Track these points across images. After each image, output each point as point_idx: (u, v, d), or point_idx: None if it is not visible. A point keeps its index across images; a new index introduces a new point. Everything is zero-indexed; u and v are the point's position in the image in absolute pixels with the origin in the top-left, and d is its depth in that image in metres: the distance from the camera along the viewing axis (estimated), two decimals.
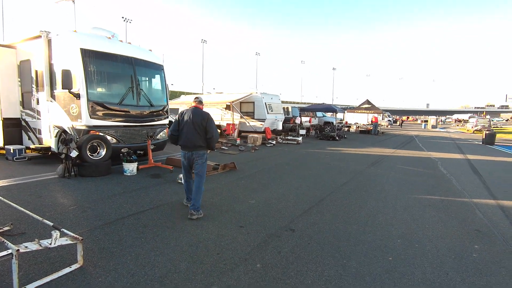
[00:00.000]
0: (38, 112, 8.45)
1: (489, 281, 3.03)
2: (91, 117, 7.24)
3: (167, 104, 9.37)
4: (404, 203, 5.60)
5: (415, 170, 9.13)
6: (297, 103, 65.80)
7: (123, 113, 7.81)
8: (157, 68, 9.10)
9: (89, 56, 7.29)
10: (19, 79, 8.94)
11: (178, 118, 4.66)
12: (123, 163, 7.07)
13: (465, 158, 12.27)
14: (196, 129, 4.49)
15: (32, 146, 8.58)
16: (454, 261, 3.40)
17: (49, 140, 8.08)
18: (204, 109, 4.82)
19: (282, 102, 22.14)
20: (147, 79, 9.06)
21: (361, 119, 36.19)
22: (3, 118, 8.96)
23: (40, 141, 8.52)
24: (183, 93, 24.91)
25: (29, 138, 9.03)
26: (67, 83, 7.02)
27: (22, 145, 9.11)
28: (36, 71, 8.26)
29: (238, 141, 13.91)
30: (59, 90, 7.63)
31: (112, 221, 4.20)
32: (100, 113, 7.39)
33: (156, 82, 9.29)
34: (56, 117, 7.86)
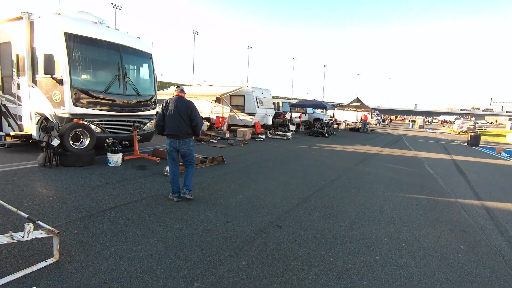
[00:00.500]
0: (19, 98, 8.08)
1: (474, 282, 3.03)
2: (74, 105, 6.95)
3: (155, 94, 9.12)
4: (391, 201, 5.61)
5: (403, 169, 9.20)
6: (288, 98, 65.76)
7: (109, 101, 7.55)
8: (145, 57, 8.82)
9: (73, 40, 6.97)
10: (0, 62, 8.52)
11: (162, 108, 4.72)
12: (108, 154, 6.84)
13: (451, 159, 12.47)
14: (182, 117, 4.61)
15: (12, 133, 8.21)
16: (441, 261, 3.39)
17: (30, 127, 7.74)
18: (194, 101, 4.84)
19: (273, 97, 22.02)
20: (134, 67, 8.78)
21: (350, 117, 36.47)
22: None
23: (20, 128, 8.16)
24: (172, 84, 24.46)
25: (9, 125, 8.64)
26: (49, 68, 6.70)
27: (1, 131, 8.73)
28: (17, 55, 7.86)
29: (228, 135, 13.76)
30: (41, 75, 7.29)
31: (93, 213, 4.03)
32: (84, 101, 7.11)
33: (144, 71, 9.01)
34: (38, 103, 7.52)
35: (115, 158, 6.84)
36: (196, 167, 7.16)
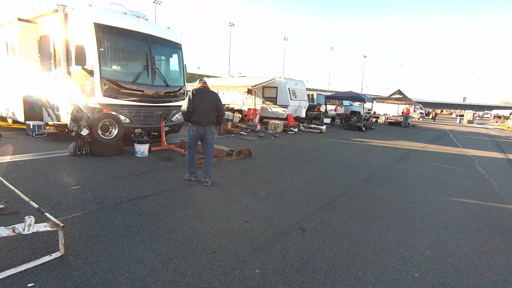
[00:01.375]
0: (56, 89, 8.39)
1: None
2: (104, 95, 7.02)
3: (184, 85, 9.02)
4: (435, 206, 4.94)
5: (449, 168, 8.27)
6: (324, 91, 63.89)
7: (137, 92, 7.54)
8: (174, 47, 8.71)
9: (103, 31, 7.01)
10: (39, 55, 8.91)
11: (192, 95, 5.01)
12: (135, 144, 6.84)
13: (506, 158, 11.09)
14: (211, 106, 5.08)
15: (50, 123, 8.59)
16: (496, 286, 2.80)
17: (66, 118, 8.02)
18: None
19: (309, 89, 21.34)
20: (163, 58, 8.72)
21: (390, 110, 34.41)
22: (24, 94, 9.01)
23: (58, 118, 8.49)
24: (207, 76, 24.64)
25: (49, 115, 9.05)
26: (80, 59, 6.80)
27: (43, 121, 9.18)
28: (54, 47, 8.14)
29: (258, 127, 13.44)
30: (74, 67, 7.45)
31: (109, 205, 3.92)
32: (113, 91, 7.15)
33: (173, 61, 8.93)
34: (72, 94, 7.73)
35: (142, 149, 6.82)
36: (222, 159, 6.95)
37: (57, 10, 7.66)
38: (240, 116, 17.15)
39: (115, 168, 5.74)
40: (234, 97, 18.29)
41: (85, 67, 7.00)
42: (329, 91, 67.30)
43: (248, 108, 16.51)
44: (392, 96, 27.30)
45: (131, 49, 7.77)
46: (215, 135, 10.87)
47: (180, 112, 8.59)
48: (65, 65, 7.73)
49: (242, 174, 5.96)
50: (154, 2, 60.20)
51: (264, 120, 17.01)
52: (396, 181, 6.34)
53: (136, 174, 5.47)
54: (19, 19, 8.66)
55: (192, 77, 35.58)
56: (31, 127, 8.55)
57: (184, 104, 5.14)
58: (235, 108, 17.91)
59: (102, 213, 3.69)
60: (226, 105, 17.50)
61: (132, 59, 7.85)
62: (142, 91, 7.63)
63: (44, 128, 8.78)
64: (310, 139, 12.27)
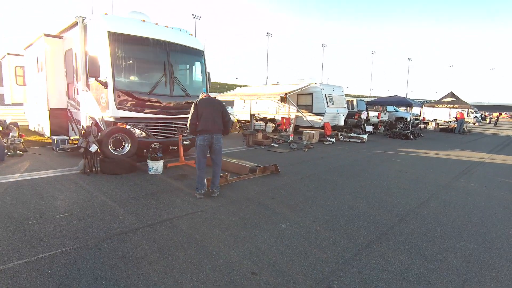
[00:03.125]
0: (78, 103, 8.18)
1: None
2: (117, 108, 6.52)
3: (207, 94, 8.31)
4: None
5: None
6: (366, 97, 60.77)
7: (154, 104, 6.97)
8: (195, 54, 8.09)
9: (117, 40, 6.56)
10: (65, 69, 8.83)
11: (195, 107, 4.87)
12: (147, 161, 6.21)
13: None
14: (217, 112, 4.89)
15: (72, 137, 8.38)
16: None
17: None
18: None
19: (349, 95, 19.84)
20: (183, 65, 8.14)
21: (441, 115, 31.21)
22: (50, 108, 8.98)
23: (80, 132, 8.25)
24: (239, 85, 24.17)
25: (73, 129, 8.91)
26: (93, 70, 6.40)
27: (69, 135, 9.06)
28: (76, 60, 7.94)
29: (291, 137, 12.38)
30: (92, 79, 7.12)
31: (89, 243, 3.17)
32: (128, 104, 6.65)
33: (194, 69, 8.32)
34: (90, 107, 7.41)
35: (155, 166, 6.16)
36: (243, 177, 6.04)
37: (77, 23, 7.44)
38: (274, 125, 16.24)
39: (119, 189, 5.09)
40: (267, 106, 17.46)
41: (99, 78, 6.60)
42: (370, 97, 63.94)
43: (282, 117, 15.53)
44: (443, 100, 24.55)
45: (148, 58, 7.27)
46: (244, 147, 10.08)
47: None
48: (84, 78, 7.44)
49: (264, 197, 4.98)
50: (194, 17, 62.38)
51: (299, 129, 15.91)
52: (461, 207, 4.92)
53: (140, 197, 4.75)
54: (46, 35, 8.67)
55: (230, 87, 35.58)
56: (55, 142, 8.40)
57: (189, 115, 4.82)
58: (268, 118, 17.04)
59: (74, 254, 2.94)
60: (257, 114, 16.72)
61: (149, 68, 7.34)
62: (160, 102, 7.05)
63: (68, 143, 8.60)
64: (350, 150, 10.92)
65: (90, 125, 7.67)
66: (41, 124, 9.91)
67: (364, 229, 3.85)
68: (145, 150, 6.34)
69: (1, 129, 9.45)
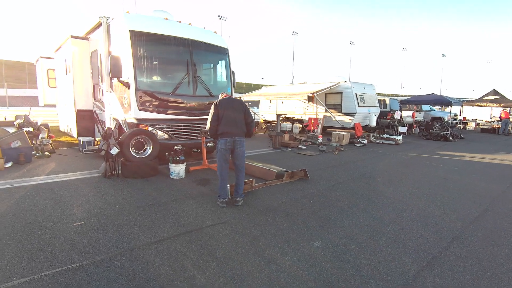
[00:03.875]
0: (103, 104, 8.13)
1: None
2: (139, 109, 6.32)
3: (232, 94, 7.96)
4: None
5: None
6: (397, 95, 58.10)
7: (177, 104, 6.71)
8: (219, 52, 7.75)
9: (138, 38, 6.35)
10: (91, 71, 8.85)
11: (216, 107, 4.47)
12: (169, 164, 5.93)
13: None
14: (239, 113, 4.51)
15: (97, 139, 8.35)
16: None
17: None
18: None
19: (380, 95, 18.77)
20: (207, 64, 7.84)
21: (481, 114, 28.97)
22: (77, 110, 9.04)
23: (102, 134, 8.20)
24: (265, 85, 23.74)
25: (98, 131, 8.90)
26: (116, 70, 6.23)
27: (95, 137, 9.08)
28: (101, 61, 7.88)
29: (320, 139, 11.76)
30: (114, 80, 6.99)
31: (98, 259, 2.87)
32: (150, 104, 6.42)
33: (218, 68, 7.99)
34: (114, 109, 7.29)
35: (177, 170, 5.87)
36: (270, 183, 5.59)
37: (101, 23, 7.35)
38: (301, 126, 15.66)
39: (139, 195, 4.83)
40: (293, 106, 16.89)
41: (121, 79, 6.43)
42: (401, 96, 61.08)
43: (309, 118, 14.89)
44: (485, 98, 22.66)
45: (170, 57, 7.02)
46: (270, 149, 9.63)
47: None
48: (108, 79, 7.33)
49: (292, 207, 4.50)
50: (220, 18, 62.85)
51: (328, 130, 15.21)
52: None
53: (159, 204, 4.45)
54: (72, 37, 8.73)
55: (256, 87, 35.30)
56: (81, 143, 8.42)
57: (208, 117, 4.45)
58: (295, 118, 16.47)
59: (81, 272, 2.63)
60: (284, 115, 16.19)
61: (172, 68, 7.09)
62: (182, 103, 6.78)
63: (93, 145, 8.59)
64: (383, 153, 10.13)
65: (111, 127, 7.61)
66: (69, 125, 10.05)
67: (411, 251, 3.26)
68: (166, 153, 6.07)
69: (32, 130, 9.68)
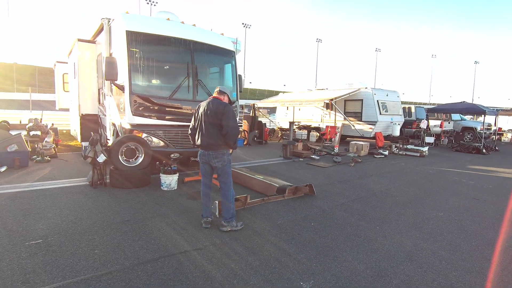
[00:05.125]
0: (105, 108, 7.85)
1: None
2: (134, 114, 5.89)
3: (237, 99, 7.42)
4: None
5: None
6: (425, 104, 55.47)
7: (175, 109, 6.24)
8: (224, 54, 7.24)
9: (135, 39, 5.96)
10: (97, 74, 8.64)
11: (194, 112, 3.96)
12: (160, 174, 5.44)
13: None
14: (211, 123, 3.69)
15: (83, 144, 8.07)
16: None
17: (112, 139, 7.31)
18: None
19: (406, 103, 17.59)
20: (210, 67, 7.35)
21: None
22: (82, 114, 8.85)
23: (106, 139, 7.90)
24: (283, 92, 23.15)
25: (101, 135, 8.63)
26: (110, 73, 5.87)
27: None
28: (103, 64, 7.62)
29: (336, 149, 10.92)
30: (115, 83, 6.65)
31: None
32: (145, 109, 5.98)
33: (222, 71, 7.48)
34: (113, 113, 6.96)
35: (168, 181, 5.36)
36: (268, 200, 4.94)
37: (103, 25, 7.09)
38: (318, 135, 14.87)
39: (118, 208, 4.34)
40: (311, 113, 16.13)
41: (116, 82, 6.07)
42: (430, 104, 58.26)
43: (326, 126, 14.08)
44: None
45: (170, 59, 6.59)
46: (282, 159, 8.96)
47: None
48: (108, 82, 7.02)
49: (287, 230, 3.83)
50: (244, 26, 63.39)
51: (347, 139, 14.31)
52: None
53: (135, 220, 3.93)
54: (79, 40, 8.59)
55: (270, 94, 34.76)
56: (83, 148, 8.15)
57: None
58: (312, 126, 15.70)
59: None
60: (297, 122, 15.48)
61: (171, 70, 6.66)
62: (181, 108, 6.30)
63: None
64: (406, 166, 9.17)
65: (111, 132, 7.28)
66: (76, 129, 9.92)
67: None
68: (157, 162, 5.59)
69: (40, 134, 9.61)
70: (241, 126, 13.17)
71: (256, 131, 13.09)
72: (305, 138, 14.89)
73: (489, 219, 4.62)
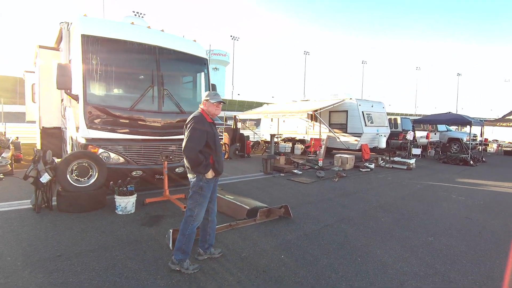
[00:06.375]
0: (66, 120, 7.14)
1: None
2: (88, 127, 5.23)
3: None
4: None
5: None
6: (411, 115, 56.03)
7: (137, 122, 5.60)
8: (196, 62, 6.69)
9: (92, 44, 5.37)
10: None
11: None
12: (115, 196, 4.75)
13: None
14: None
15: (56, 161, 7.32)
16: None
17: None
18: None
19: (393, 114, 17.34)
20: (180, 76, 6.79)
21: (503, 135, 27.00)
22: (42, 127, 8.11)
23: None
24: (267, 103, 22.79)
25: (65, 151, 7.89)
26: (62, 81, 5.22)
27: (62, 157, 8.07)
28: None
29: (320, 163, 10.41)
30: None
31: None
32: (102, 122, 5.34)
33: (193, 80, 6.94)
34: (71, 126, 6.27)
35: (123, 203, 4.69)
36: (236, 225, 4.32)
37: (61, 29, 6.47)
38: (303, 147, 14.38)
39: (54, 239, 3.64)
40: (295, 125, 15.69)
41: (68, 91, 5.42)
42: (416, 115, 58.98)
43: (311, 138, 13.62)
44: (507, 117, 20.89)
45: (132, 66, 5.99)
46: (262, 174, 8.36)
47: None
48: None
49: (253, 267, 3.20)
50: (232, 38, 63.50)
51: (334, 151, 13.84)
52: None
53: (69, 256, 3.24)
54: (41, 47, 7.93)
55: (258, 105, 34.34)
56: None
57: None
58: (297, 138, 15.23)
59: None
60: (278, 135, 14.99)
61: (134, 79, 6.05)
62: (144, 120, 5.67)
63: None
64: (393, 180, 8.69)
65: (69, 146, 6.58)
66: (38, 144, 9.13)
67: None
68: (111, 182, 4.91)
69: None
70: (222, 139, 12.57)
71: (238, 144, 12.51)
72: (289, 151, 14.37)
73: (484, 244, 4.09)
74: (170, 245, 3.45)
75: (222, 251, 3.40)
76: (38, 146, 8.72)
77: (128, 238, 3.80)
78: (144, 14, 52.18)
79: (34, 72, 10.99)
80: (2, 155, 8.07)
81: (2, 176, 7.01)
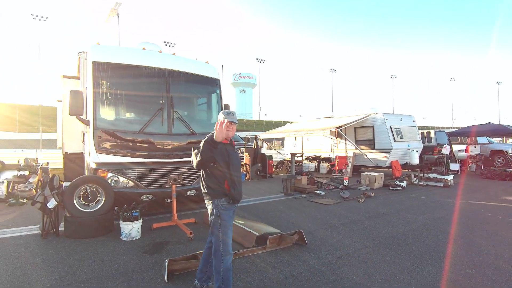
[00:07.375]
0: (84, 146, 7.30)
1: None
2: (97, 151, 5.22)
3: None
4: None
5: None
6: (448, 128, 52.80)
7: (146, 145, 5.52)
8: (207, 83, 6.61)
9: (102, 70, 5.45)
10: None
11: None
12: (120, 221, 4.59)
13: None
14: None
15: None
16: None
17: None
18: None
19: (427, 127, 16.20)
20: (191, 98, 6.69)
21: None
22: (65, 152, 8.37)
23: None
24: (290, 122, 22.40)
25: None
26: (74, 107, 5.30)
27: None
28: None
29: (346, 182, 9.77)
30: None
31: None
32: (111, 146, 5.31)
33: (204, 101, 6.83)
34: (86, 150, 6.35)
35: (127, 229, 4.50)
36: (243, 253, 3.96)
37: (80, 58, 6.74)
38: (328, 166, 13.76)
39: (49, 268, 3.48)
40: (320, 143, 15.15)
41: (81, 117, 5.50)
42: (454, 128, 55.51)
43: (336, 156, 13.01)
44: None
45: (142, 90, 5.97)
46: (282, 195, 7.96)
47: None
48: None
49: None
50: (258, 61, 64.73)
51: (362, 169, 13.08)
52: None
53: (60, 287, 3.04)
54: (64, 76, 8.32)
55: (277, 125, 34.09)
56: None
57: None
58: (321, 157, 14.65)
59: None
60: (299, 154, 14.47)
61: (143, 102, 6.01)
62: (153, 143, 5.58)
63: None
64: (428, 200, 7.86)
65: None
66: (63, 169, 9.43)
67: None
68: (116, 208, 4.78)
69: (28, 174, 9.18)
70: (243, 159, 12.34)
71: (260, 164, 12.19)
72: (313, 170, 13.80)
73: None
74: (165, 276, 3.16)
75: (220, 286, 3.03)
76: (63, 172, 8.99)
77: (125, 268, 3.56)
78: (174, 44, 54.92)
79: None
80: (29, 180, 8.38)
81: (26, 201, 7.20)
